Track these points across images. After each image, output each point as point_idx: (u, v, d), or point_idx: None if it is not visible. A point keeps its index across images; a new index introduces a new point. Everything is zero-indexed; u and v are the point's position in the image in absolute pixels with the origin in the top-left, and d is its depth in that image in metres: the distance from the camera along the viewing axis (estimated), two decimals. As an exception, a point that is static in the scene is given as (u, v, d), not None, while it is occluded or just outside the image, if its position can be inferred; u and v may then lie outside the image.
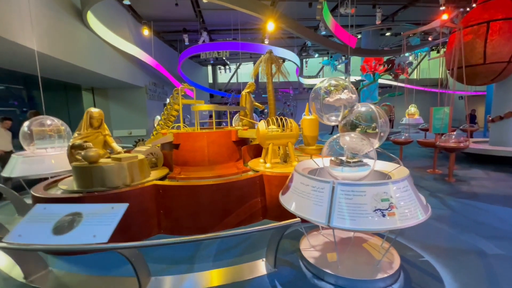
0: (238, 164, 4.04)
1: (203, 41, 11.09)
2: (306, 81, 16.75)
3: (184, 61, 14.58)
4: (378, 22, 9.46)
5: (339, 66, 17.32)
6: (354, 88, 2.27)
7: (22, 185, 4.31)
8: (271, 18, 6.84)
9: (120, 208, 1.77)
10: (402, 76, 11.75)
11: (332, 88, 2.18)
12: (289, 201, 2.16)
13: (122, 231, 2.84)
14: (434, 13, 10.31)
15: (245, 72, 21.33)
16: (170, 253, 2.67)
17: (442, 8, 8.09)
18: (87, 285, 2.20)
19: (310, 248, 2.47)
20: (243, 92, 6.71)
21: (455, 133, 5.76)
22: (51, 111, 9.46)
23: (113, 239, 2.79)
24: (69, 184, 3.11)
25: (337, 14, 9.81)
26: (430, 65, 15.45)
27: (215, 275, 2.25)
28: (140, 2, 8.41)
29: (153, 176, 3.46)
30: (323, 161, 2.20)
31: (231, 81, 20.44)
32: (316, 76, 19.27)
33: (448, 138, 5.04)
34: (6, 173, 4.04)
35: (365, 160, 2.19)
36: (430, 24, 5.49)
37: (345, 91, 2.20)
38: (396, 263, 2.18)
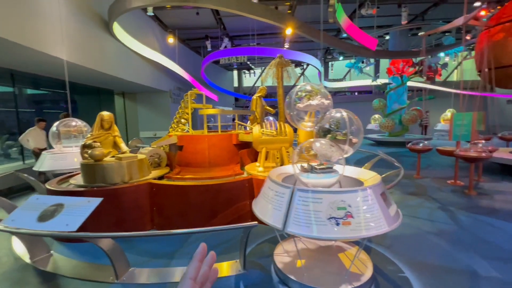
0: (236, 167, 4.14)
1: (225, 46, 11.47)
2: (331, 85, 16.31)
3: (210, 66, 15.17)
4: (404, 22, 8.93)
5: (367, 68, 16.66)
6: (328, 94, 2.23)
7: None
8: (289, 26, 6.87)
9: (94, 202, 1.98)
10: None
11: (304, 94, 2.18)
12: (256, 205, 2.20)
13: (118, 225, 3.11)
14: (470, 10, 9.43)
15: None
16: (156, 247, 2.86)
17: (477, 4, 7.38)
18: (79, 270, 2.46)
19: (284, 253, 2.47)
20: (254, 97, 6.82)
21: (483, 141, 5.23)
22: (86, 113, 10.57)
23: (109, 231, 3.07)
24: (79, 179, 3.48)
25: (359, 15, 9.49)
26: (469, 67, 14.05)
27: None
28: (164, 12, 9.02)
29: (153, 175, 3.72)
30: (293, 168, 2.21)
31: (256, 85, 20.71)
32: (342, 79, 18.68)
33: (472, 146, 4.60)
34: (36, 167, 4.63)
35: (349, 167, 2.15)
36: (452, 22, 5.07)
37: (318, 96, 2.18)
38: (367, 276, 2.09)
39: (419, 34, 6.73)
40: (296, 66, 16.46)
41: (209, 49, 11.45)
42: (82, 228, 2.99)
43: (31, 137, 5.41)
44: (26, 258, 2.63)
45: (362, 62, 15.82)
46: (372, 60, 16.19)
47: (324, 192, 1.82)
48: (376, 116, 14.13)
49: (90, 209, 1.92)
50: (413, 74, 11.32)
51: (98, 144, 3.56)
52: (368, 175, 2.32)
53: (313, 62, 11.52)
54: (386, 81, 12.38)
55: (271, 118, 10.55)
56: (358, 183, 2.29)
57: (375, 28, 9.40)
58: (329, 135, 2.17)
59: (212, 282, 0.41)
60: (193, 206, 3.16)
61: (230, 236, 3.02)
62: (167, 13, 9.12)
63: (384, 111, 12.48)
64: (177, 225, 3.21)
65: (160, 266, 2.51)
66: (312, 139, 2.18)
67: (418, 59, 11.07)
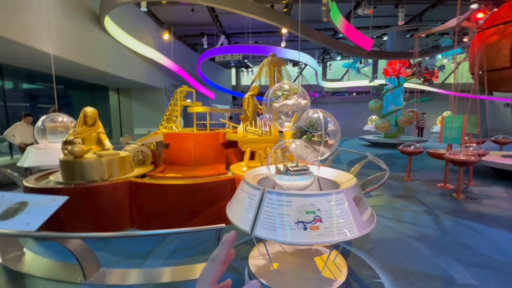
0: (220, 167, 4.08)
1: (221, 44, 11.38)
2: (328, 85, 16.24)
3: (207, 64, 15.06)
4: (400, 22, 8.86)
5: (365, 69, 16.58)
6: (305, 93, 2.17)
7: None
8: (284, 26, 6.80)
9: (59, 201, 1.92)
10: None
11: (280, 94, 2.12)
12: (230, 206, 2.15)
13: (96, 223, 3.06)
14: (468, 11, 9.35)
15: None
16: (131, 247, 2.80)
17: (473, 6, 7.32)
18: (49, 270, 2.40)
19: (259, 256, 2.41)
20: (246, 95, 6.76)
21: (474, 145, 5.19)
22: (80, 109, 10.37)
23: (84, 230, 3.01)
24: (58, 176, 3.42)
25: (355, 15, 9.42)
26: (467, 69, 14.00)
27: (158, 273, 2.31)
28: (159, 8, 8.93)
29: (136, 173, 3.66)
30: (268, 169, 2.15)
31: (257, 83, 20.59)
32: (340, 80, 18.61)
33: (462, 150, 4.55)
34: (20, 162, 4.56)
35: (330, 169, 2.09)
36: (446, 24, 5.01)
37: (295, 96, 2.12)
38: (339, 281, 2.04)
39: (414, 35, 6.67)
40: (293, 65, 16.39)
41: (205, 46, 11.37)
42: (58, 226, 2.94)
43: (17, 132, 5.34)
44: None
45: (360, 63, 15.73)
46: (370, 61, 16.13)
47: (293, 195, 1.76)
48: (373, 117, 14.07)
49: (53, 208, 1.86)
50: (410, 75, 11.26)
51: (79, 140, 3.49)
52: (345, 178, 2.26)
53: (310, 62, 11.44)
54: (383, 82, 12.32)
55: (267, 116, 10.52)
56: (335, 185, 2.24)
57: (371, 28, 9.33)
58: (304, 136, 2.11)
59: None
60: (172, 206, 3.11)
61: (208, 236, 2.97)
62: (162, 9, 9.03)
63: (380, 112, 12.43)
64: (156, 225, 3.16)
65: (134, 266, 2.46)
66: (289, 140, 2.12)
67: (416, 60, 11.02)
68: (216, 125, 6.38)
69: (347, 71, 17.79)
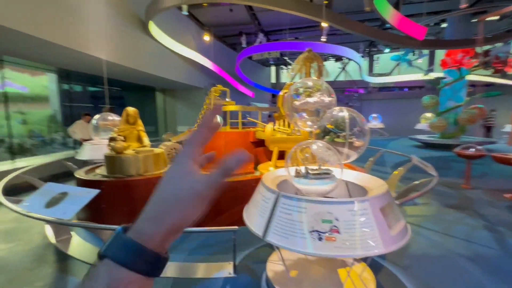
0: (249, 166, 4.06)
1: (260, 42, 11.38)
2: (375, 80, 15.02)
3: (247, 62, 15.25)
4: (463, 5, 7.66)
5: (419, 61, 14.94)
6: (331, 90, 1.98)
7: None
8: (323, 20, 6.46)
9: (92, 193, 2.10)
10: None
11: (302, 91, 1.97)
12: (246, 208, 2.09)
13: (130, 214, 3.29)
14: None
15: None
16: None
17: None
18: (91, 255, 2.67)
19: (279, 261, 2.31)
20: (281, 93, 6.64)
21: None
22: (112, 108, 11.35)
23: (121, 220, 3.28)
24: (103, 170, 3.79)
25: (406, 1, 8.50)
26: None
27: (175, 267, 2.37)
28: (200, 11, 9.29)
29: (169, 169, 3.87)
30: (287, 171, 2.03)
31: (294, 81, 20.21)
32: (389, 74, 17.05)
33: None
34: (78, 156, 5.21)
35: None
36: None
37: (318, 93, 1.96)
38: (364, 300, 1.82)
39: (478, 19, 5.67)
40: (336, 60, 15.57)
41: (243, 45, 11.50)
42: (100, 215, 3.25)
43: (78, 129, 6.11)
44: (53, 239, 2.95)
45: (413, 54, 14.21)
46: (425, 52, 14.45)
47: (309, 201, 1.62)
48: (428, 114, 12.55)
49: (86, 200, 2.04)
50: (474, 66, 9.72)
51: (121, 138, 3.81)
52: (376, 184, 2.01)
53: (352, 56, 10.70)
54: (441, 75, 10.87)
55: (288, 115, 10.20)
56: (364, 192, 2.00)
57: (424, 15, 8.28)
58: (327, 137, 1.93)
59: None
60: (199, 202, 3.18)
61: (230, 236, 2.96)
62: (203, 11, 9.39)
63: (436, 109, 11.02)
64: (184, 220, 3.28)
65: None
66: (310, 141, 1.97)
67: (485, 48, 9.43)
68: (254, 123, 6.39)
69: (397, 64, 16.21)
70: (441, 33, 12.42)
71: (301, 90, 2.00)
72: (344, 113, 1.89)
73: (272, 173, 2.31)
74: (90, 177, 3.45)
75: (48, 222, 2.12)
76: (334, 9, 8.07)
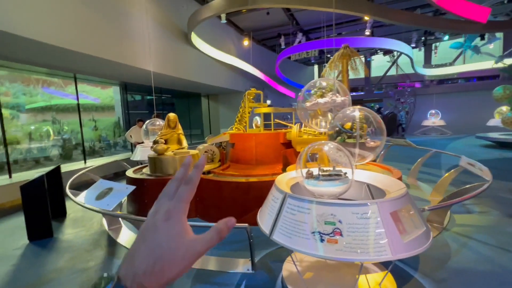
0: (277, 167, 4.10)
1: (299, 41, 11.26)
2: (431, 72, 13.38)
3: (287, 63, 15.22)
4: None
5: (490, 46, 12.84)
6: (345, 90, 1.92)
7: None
8: (364, 14, 6.14)
9: (130, 189, 2.44)
10: None
11: (315, 91, 1.96)
12: (261, 209, 2.16)
13: (168, 209, 3.67)
14: None
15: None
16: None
17: None
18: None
19: (296, 261, 2.31)
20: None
21: None
22: (181, 113, 12.56)
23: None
24: (148, 170, 4.29)
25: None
26: None
27: (205, 259, 2.56)
28: (239, 17, 9.66)
29: (205, 169, 4.17)
30: (300, 172, 2.03)
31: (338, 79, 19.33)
32: (452, 64, 14.98)
33: None
34: (132, 157, 5.96)
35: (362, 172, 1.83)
36: None
37: (329, 94, 1.93)
38: (380, 309, 1.72)
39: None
40: (385, 54, 14.36)
41: (282, 46, 11.52)
42: (144, 208, 3.69)
43: (133, 134, 6.97)
44: (107, 227, 3.48)
45: (482, 39, 12.26)
46: (498, 35, 12.33)
47: (313, 202, 1.61)
48: (504, 108, 10.65)
49: (125, 194, 2.38)
50: None
51: (162, 140, 4.26)
52: (396, 186, 1.87)
53: (400, 48, 9.77)
54: (517, 61, 9.14)
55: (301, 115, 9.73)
56: (382, 195, 1.88)
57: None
58: (339, 137, 1.88)
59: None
60: (226, 201, 3.37)
61: (254, 233, 3.05)
62: (241, 17, 9.75)
63: (512, 102, 9.29)
64: (213, 217, 3.50)
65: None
66: (322, 142, 1.95)
67: None
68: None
69: (461, 52, 14.14)
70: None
71: (312, 91, 1.99)
72: (356, 112, 1.81)
73: (287, 174, 2.34)
74: (136, 175, 3.94)
75: (102, 212, 2.53)
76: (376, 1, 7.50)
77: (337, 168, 1.88)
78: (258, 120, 6.66)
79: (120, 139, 10.41)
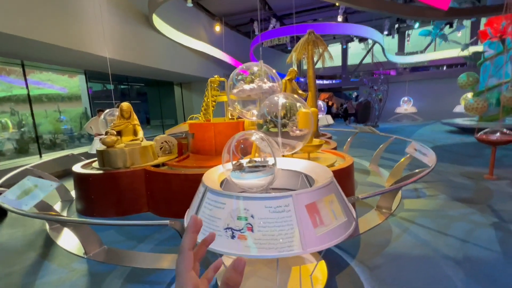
0: (238, 157, 3.98)
1: (273, 27, 10.99)
2: (403, 60, 13.64)
3: (266, 50, 14.89)
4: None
5: (459, 34, 13.18)
6: (277, 77, 1.80)
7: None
8: None
9: (54, 186, 2.23)
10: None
11: (239, 77, 1.82)
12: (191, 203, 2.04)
13: (117, 204, 3.48)
14: None
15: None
16: (137, 229, 3.06)
17: None
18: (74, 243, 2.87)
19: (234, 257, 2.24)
20: (283, 80, 6.37)
21: None
22: (152, 102, 12.04)
23: (110, 210, 3.46)
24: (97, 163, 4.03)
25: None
26: None
27: (140, 256, 2.44)
28: (208, 1, 9.20)
29: (159, 161, 3.98)
30: (223, 165, 1.90)
31: (316, 66, 19.26)
32: (423, 52, 15.34)
33: None
34: (90, 150, 5.62)
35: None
36: None
37: (257, 80, 1.80)
38: (304, 302, 1.69)
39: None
40: (360, 41, 14.41)
41: (256, 32, 11.20)
42: (91, 205, 3.47)
43: (93, 125, 6.57)
44: (47, 226, 3.24)
45: (450, 27, 12.55)
46: (466, 23, 12.67)
47: (228, 197, 1.51)
48: (469, 95, 11.10)
49: (47, 192, 2.17)
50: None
51: (114, 132, 3.99)
52: (324, 176, 1.80)
53: (372, 35, 9.79)
54: (480, 49, 9.45)
55: (320, 102, 9.70)
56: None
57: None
58: (265, 126, 1.77)
59: (215, 270, 0.45)
60: (176, 194, 3.23)
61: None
62: (210, 1, 9.29)
63: (476, 89, 9.69)
64: (163, 211, 3.36)
65: (129, 248, 2.68)
66: (249, 131, 1.84)
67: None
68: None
69: (432, 40, 14.46)
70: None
71: (239, 76, 1.85)
72: (281, 99, 1.70)
73: (219, 167, 2.22)
74: (83, 170, 3.68)
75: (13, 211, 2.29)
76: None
77: (265, 159, 1.78)
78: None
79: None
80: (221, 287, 0.40)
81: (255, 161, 1.81)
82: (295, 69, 5.76)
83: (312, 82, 5.97)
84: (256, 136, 1.75)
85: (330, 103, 19.18)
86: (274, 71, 1.88)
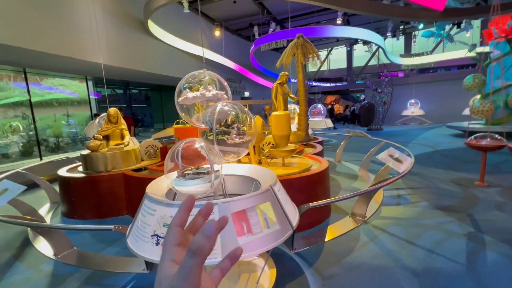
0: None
1: (273, 31, 11.03)
2: (407, 61, 13.32)
3: (267, 54, 14.95)
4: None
5: (467, 35, 12.77)
6: (220, 82, 1.82)
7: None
8: (317, 2, 5.95)
9: (21, 189, 2.33)
10: None
11: (186, 84, 1.85)
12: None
13: (97, 207, 3.58)
14: None
15: (338, 58, 19.40)
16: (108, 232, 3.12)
17: None
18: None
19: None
20: (274, 84, 6.40)
21: None
22: (155, 107, 12.22)
23: (90, 213, 3.56)
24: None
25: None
26: None
27: (106, 259, 2.50)
28: (209, 6, 9.36)
29: (141, 165, 4.07)
30: (165, 174, 1.92)
31: (321, 69, 19.16)
32: (431, 53, 14.90)
33: None
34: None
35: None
36: None
37: (201, 88, 1.82)
38: (241, 310, 1.68)
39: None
40: (364, 43, 14.18)
41: (256, 36, 11.27)
42: (72, 207, 3.59)
43: (91, 129, 6.79)
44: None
45: (458, 27, 12.17)
46: (474, 23, 12.26)
47: (158, 203, 1.54)
48: (479, 97, 10.68)
49: (13, 195, 2.27)
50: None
51: (99, 136, 4.12)
52: (268, 177, 1.80)
53: (371, 37, 9.64)
54: (487, 49, 9.10)
55: (319, 105, 9.61)
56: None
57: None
58: (204, 135, 1.79)
59: (232, 260, 0.36)
60: (151, 198, 3.28)
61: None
62: (211, 6, 9.45)
63: (482, 91, 9.32)
64: (141, 214, 3.43)
65: (99, 250, 2.75)
66: (192, 139, 1.87)
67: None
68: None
69: (440, 41, 14.04)
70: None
71: (186, 84, 1.88)
72: (219, 107, 1.72)
73: (169, 175, 2.24)
74: (65, 173, 3.81)
75: None
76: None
77: (205, 166, 1.80)
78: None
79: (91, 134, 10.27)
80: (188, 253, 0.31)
81: (201, 168, 1.82)
82: (287, 73, 5.76)
83: (302, 86, 5.94)
84: (198, 144, 1.77)
85: (335, 107, 18.96)
86: (223, 80, 1.90)
